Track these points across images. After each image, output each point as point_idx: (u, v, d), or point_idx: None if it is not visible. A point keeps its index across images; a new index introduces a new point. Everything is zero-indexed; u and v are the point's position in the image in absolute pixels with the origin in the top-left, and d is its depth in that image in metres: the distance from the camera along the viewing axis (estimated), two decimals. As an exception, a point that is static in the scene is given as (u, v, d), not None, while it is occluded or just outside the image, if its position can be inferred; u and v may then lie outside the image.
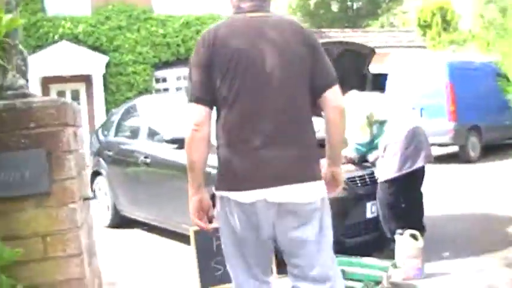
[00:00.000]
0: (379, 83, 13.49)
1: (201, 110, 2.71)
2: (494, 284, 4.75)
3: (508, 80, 9.06)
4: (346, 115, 2.94)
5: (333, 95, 2.91)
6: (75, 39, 17.75)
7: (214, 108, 2.77)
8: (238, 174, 2.69)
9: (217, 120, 2.78)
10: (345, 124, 2.99)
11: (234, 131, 2.71)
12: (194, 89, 2.75)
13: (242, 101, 2.69)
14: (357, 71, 6.48)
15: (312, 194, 2.72)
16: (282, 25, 2.83)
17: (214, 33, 2.80)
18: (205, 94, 2.72)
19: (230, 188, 2.72)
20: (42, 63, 16.34)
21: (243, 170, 2.68)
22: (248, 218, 2.71)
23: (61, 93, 18.12)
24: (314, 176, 2.77)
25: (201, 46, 2.79)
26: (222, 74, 2.70)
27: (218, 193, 2.79)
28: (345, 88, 5.90)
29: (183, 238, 5.53)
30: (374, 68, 10.94)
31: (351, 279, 4.77)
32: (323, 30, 25.20)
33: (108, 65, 17.95)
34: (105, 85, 17.84)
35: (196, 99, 2.73)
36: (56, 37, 17.61)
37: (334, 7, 42.14)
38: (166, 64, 18.95)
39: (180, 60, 18.57)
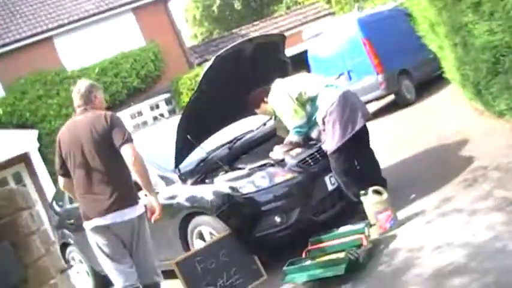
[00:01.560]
0: (303, 62, 13.80)
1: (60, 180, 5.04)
2: (459, 207, 4.97)
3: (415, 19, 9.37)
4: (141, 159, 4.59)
5: (127, 151, 4.54)
6: (-1, 123, 17.45)
7: None
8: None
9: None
10: (140, 166, 4.55)
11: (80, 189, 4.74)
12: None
13: (77, 173, 4.70)
14: (274, 60, 6.63)
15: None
16: (90, 119, 4.68)
17: (59, 135, 4.91)
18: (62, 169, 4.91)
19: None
20: (-28, 157, 16.05)
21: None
22: None
23: (3, 180, 17.76)
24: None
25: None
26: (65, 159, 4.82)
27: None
28: (269, 80, 6.09)
29: (171, 274, 5.58)
30: (293, 49, 11.19)
31: (334, 252, 4.92)
32: (234, 31, 25.36)
33: (40, 137, 17.66)
34: (43, 157, 17.54)
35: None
36: (-21, 127, 17.23)
37: (237, 5, 42.37)
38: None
39: (108, 109, 18.43)
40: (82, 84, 4.91)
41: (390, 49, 12.51)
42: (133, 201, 4.71)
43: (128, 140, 4.59)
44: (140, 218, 4.72)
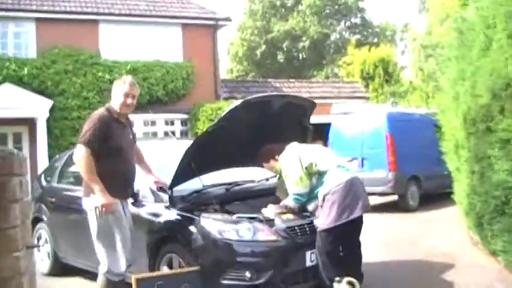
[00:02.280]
0: (322, 133, 13.90)
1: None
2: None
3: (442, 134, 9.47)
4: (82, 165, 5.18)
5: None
6: (20, 82, 17.54)
7: None
8: None
9: None
10: (79, 167, 5.23)
11: None
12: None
13: None
14: (297, 123, 6.69)
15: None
16: None
17: None
18: None
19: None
20: (-17, 105, 16.14)
21: None
22: None
23: (2, 136, 17.82)
24: None
25: None
26: None
27: None
28: (286, 140, 6.13)
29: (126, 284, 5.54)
30: (318, 118, 11.27)
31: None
32: (269, 80, 25.63)
33: (52, 109, 17.77)
34: (48, 129, 17.61)
35: None
36: (0, 79, 17.39)
37: (280, 57, 42.87)
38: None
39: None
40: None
41: (409, 152, 12.62)
42: (85, 193, 5.41)
43: (80, 140, 5.26)
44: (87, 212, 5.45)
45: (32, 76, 17.87)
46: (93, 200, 5.26)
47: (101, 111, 5.49)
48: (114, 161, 5.36)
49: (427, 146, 12.17)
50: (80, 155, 5.21)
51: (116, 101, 5.50)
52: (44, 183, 8.49)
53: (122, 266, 5.38)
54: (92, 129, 5.26)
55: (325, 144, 13.52)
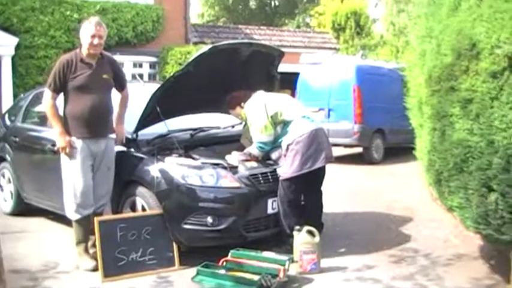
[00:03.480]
0: (291, 82, 13.92)
1: None
2: (379, 278, 5.10)
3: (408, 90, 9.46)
4: None
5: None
6: (-16, 18, 17.12)
7: None
8: None
9: None
10: (45, 110, 5.65)
11: None
12: None
13: None
14: (265, 71, 6.70)
15: None
16: None
17: None
18: None
19: None
20: None
21: None
22: None
23: (-34, 73, 17.48)
24: None
25: None
26: None
27: None
28: (252, 88, 6.15)
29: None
30: (287, 67, 11.26)
31: (250, 272, 5.00)
32: (239, 26, 25.40)
33: (18, 47, 17.36)
34: (14, 68, 17.25)
35: None
36: (-37, 14, 16.89)
37: (252, 3, 42.44)
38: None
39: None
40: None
41: (375, 105, 12.73)
42: None
43: (46, 84, 5.65)
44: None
45: (-4, 12, 17.42)
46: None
47: (67, 54, 5.65)
48: (79, 101, 5.47)
49: (393, 101, 12.20)
50: (45, 98, 5.61)
51: (83, 42, 5.53)
52: (8, 122, 8.40)
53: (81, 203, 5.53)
54: (54, 73, 5.51)
55: (294, 93, 13.56)
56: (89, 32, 5.47)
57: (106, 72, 5.66)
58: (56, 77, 5.47)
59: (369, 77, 13.03)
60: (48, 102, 5.52)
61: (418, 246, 6.10)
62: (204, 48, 5.96)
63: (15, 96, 15.59)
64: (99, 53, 5.62)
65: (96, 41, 5.47)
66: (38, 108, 7.92)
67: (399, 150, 12.94)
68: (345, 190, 9.23)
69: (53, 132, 5.86)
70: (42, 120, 7.47)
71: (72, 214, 5.60)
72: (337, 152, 12.84)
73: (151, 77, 19.81)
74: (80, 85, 5.46)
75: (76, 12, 18.33)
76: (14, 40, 17.15)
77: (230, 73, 6.26)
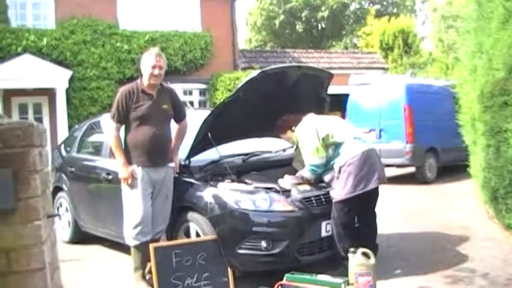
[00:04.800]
0: (341, 104, 13.88)
1: None
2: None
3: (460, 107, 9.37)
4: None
5: None
6: (39, 52, 17.65)
7: None
8: None
9: None
10: (109, 140, 5.90)
11: None
12: None
13: None
14: (314, 94, 6.70)
15: None
16: None
17: None
18: None
19: None
20: (4, 76, 16.29)
21: None
22: None
23: (23, 106, 18.03)
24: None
25: None
26: None
27: None
28: (303, 111, 6.16)
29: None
30: (336, 89, 11.26)
31: (305, 296, 4.96)
32: (287, 50, 25.53)
33: (71, 80, 17.89)
34: (68, 100, 17.77)
35: None
36: (19, 49, 17.47)
37: (299, 27, 42.60)
38: (131, 80, 18.79)
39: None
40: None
41: (427, 124, 12.58)
42: None
43: (110, 115, 5.76)
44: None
45: (51, 47, 17.97)
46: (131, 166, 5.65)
47: (128, 85, 5.81)
48: (140, 131, 5.60)
49: (445, 118, 12.11)
50: (108, 129, 5.86)
51: (144, 73, 5.68)
52: (63, 153, 8.61)
53: (141, 230, 5.60)
54: (116, 104, 5.64)
55: (344, 115, 13.52)
56: (150, 63, 5.60)
57: (166, 103, 5.77)
58: (118, 108, 5.61)
59: (419, 96, 12.90)
60: (112, 133, 5.69)
61: (475, 266, 5.95)
62: (253, 73, 6.01)
63: (69, 127, 16.00)
64: (159, 83, 5.73)
65: (156, 71, 5.60)
66: (92, 138, 8.11)
67: (453, 168, 12.74)
68: (398, 210, 9.11)
69: (114, 163, 6.01)
70: (97, 149, 7.64)
71: (131, 241, 5.68)
72: (390, 172, 12.75)
73: (202, 104, 20.05)
74: (141, 115, 5.59)
75: (126, 43, 18.76)
76: (67, 73, 17.66)
77: (280, 97, 6.29)
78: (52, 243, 3.32)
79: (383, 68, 24.21)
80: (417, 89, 13.30)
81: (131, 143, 5.64)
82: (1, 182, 2.81)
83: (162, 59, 5.67)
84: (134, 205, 5.60)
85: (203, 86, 20.15)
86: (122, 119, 5.64)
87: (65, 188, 8.02)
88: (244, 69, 20.62)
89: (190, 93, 20.21)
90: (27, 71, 16.71)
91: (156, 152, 5.58)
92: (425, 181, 12.63)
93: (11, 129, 2.84)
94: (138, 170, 5.60)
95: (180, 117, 5.98)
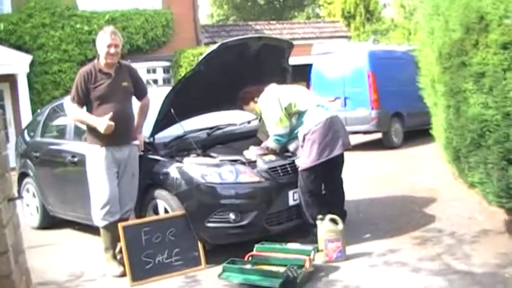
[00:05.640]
0: (305, 74, 13.90)
1: None
2: (405, 261, 5.07)
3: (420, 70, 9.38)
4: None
5: None
6: (-3, 38, 17.30)
7: None
8: None
9: None
10: (75, 118, 6.01)
11: None
12: None
13: None
14: (276, 64, 6.69)
15: None
16: None
17: None
18: None
19: None
20: (-40, 64, 15.93)
21: None
22: None
23: (-16, 93, 17.69)
24: None
25: None
26: None
27: None
28: (265, 82, 6.15)
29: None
30: (299, 59, 11.26)
31: (276, 265, 5.00)
32: (249, 23, 25.38)
33: (32, 64, 17.54)
34: (30, 85, 17.42)
35: None
36: (-24, 36, 17.08)
37: (261, 0, 42.39)
38: (93, 61, 18.70)
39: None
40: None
41: (391, 90, 12.64)
42: (88, 141, 5.76)
43: (70, 98, 5.75)
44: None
45: (8, 32, 17.56)
46: (94, 146, 5.63)
47: (86, 66, 5.75)
48: (101, 111, 5.54)
49: (408, 83, 12.09)
50: (70, 110, 5.88)
51: (100, 53, 5.62)
52: (27, 138, 8.49)
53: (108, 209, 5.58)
54: (75, 86, 5.62)
55: (309, 85, 13.54)
56: (105, 42, 5.54)
57: (125, 80, 5.72)
58: (78, 90, 5.56)
59: (382, 62, 12.95)
60: (75, 109, 5.66)
61: (442, 225, 6.05)
62: (213, 46, 5.98)
63: (33, 112, 15.75)
64: (117, 61, 5.68)
65: (112, 50, 5.54)
66: (55, 122, 8.01)
67: (419, 132, 12.87)
68: (366, 176, 9.21)
69: (79, 145, 6.34)
70: (61, 133, 7.56)
71: (99, 221, 5.66)
72: (357, 139, 12.86)
73: (166, 82, 19.89)
74: (101, 95, 5.55)
75: (86, 24, 18.47)
76: (27, 58, 17.31)
77: (241, 69, 6.27)
78: (15, 226, 3.30)
79: (346, 37, 24.22)
80: (380, 55, 13.34)
81: None
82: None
83: (117, 37, 5.61)
84: (100, 186, 5.57)
85: (167, 64, 19.96)
86: (83, 100, 5.59)
87: (31, 174, 7.93)
88: (207, 44, 20.42)
89: (154, 71, 20.03)
90: (-15, 58, 16.33)
91: (118, 131, 5.52)
92: (392, 146, 12.73)
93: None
94: (102, 150, 5.55)
95: (141, 94, 5.92)
